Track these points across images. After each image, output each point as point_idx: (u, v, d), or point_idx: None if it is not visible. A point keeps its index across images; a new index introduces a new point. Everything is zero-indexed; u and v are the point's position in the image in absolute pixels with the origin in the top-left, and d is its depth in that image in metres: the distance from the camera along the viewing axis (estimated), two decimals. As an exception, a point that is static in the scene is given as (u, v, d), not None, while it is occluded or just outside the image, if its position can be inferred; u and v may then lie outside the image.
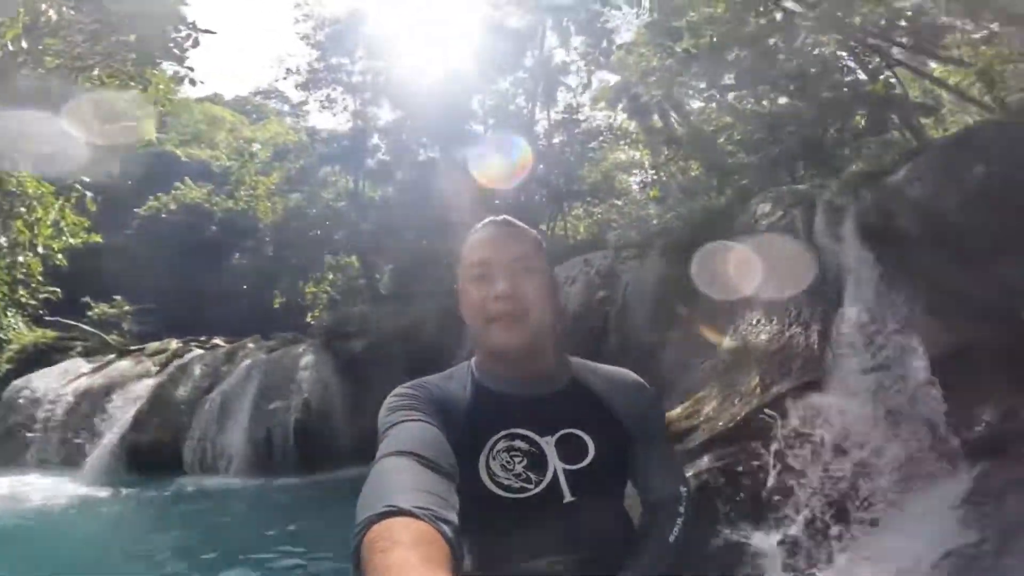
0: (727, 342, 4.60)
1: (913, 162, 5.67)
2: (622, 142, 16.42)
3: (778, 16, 5.54)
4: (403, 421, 0.83)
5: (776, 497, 2.76)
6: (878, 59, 6.83)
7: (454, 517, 0.66)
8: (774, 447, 2.89)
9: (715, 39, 5.83)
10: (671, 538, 0.96)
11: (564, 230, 18.18)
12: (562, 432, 0.92)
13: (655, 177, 16.12)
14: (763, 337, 3.82)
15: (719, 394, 3.80)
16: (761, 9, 5.63)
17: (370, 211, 14.21)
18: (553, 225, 16.63)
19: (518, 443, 0.90)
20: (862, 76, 7.07)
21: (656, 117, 14.16)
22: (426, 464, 0.73)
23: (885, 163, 6.97)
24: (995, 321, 3.43)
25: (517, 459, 0.89)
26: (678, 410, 4.08)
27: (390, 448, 0.77)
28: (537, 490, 0.88)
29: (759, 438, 3.14)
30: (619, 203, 17.60)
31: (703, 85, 8.02)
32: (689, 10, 6.19)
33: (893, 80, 7.14)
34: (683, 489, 1.01)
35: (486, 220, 1.00)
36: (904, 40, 5.77)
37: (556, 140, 15.02)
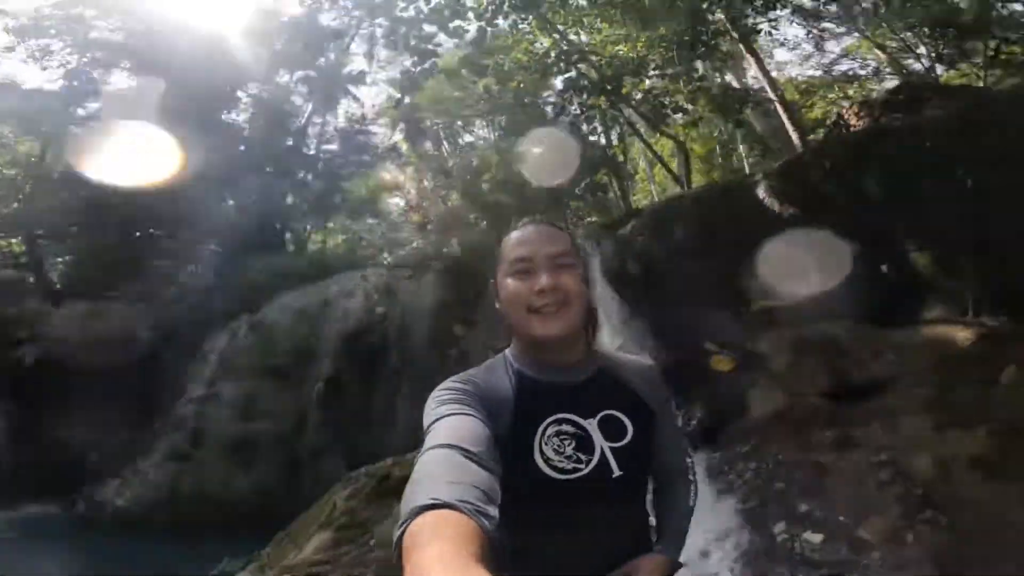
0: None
1: (635, 220, 7.34)
2: (392, 163, 16.50)
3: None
4: (449, 415, 0.86)
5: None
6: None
7: (494, 511, 0.69)
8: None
9: (521, 85, 6.48)
10: (691, 502, 1.11)
11: (323, 242, 17.18)
12: (602, 414, 0.99)
13: (417, 203, 16.76)
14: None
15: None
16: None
17: (60, 186, 10.77)
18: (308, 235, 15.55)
19: (565, 427, 0.96)
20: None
21: (431, 144, 14.80)
22: (470, 457, 0.75)
23: (614, 218, 8.78)
24: (690, 347, 4.61)
25: (567, 442, 0.95)
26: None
27: (435, 441, 0.79)
28: (588, 469, 0.94)
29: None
30: (373, 222, 17.70)
31: (483, 123, 8.79)
32: (506, 54, 6.73)
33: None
34: (690, 460, 1.15)
35: (525, 220, 1.06)
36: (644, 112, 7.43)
37: (329, 148, 14.14)
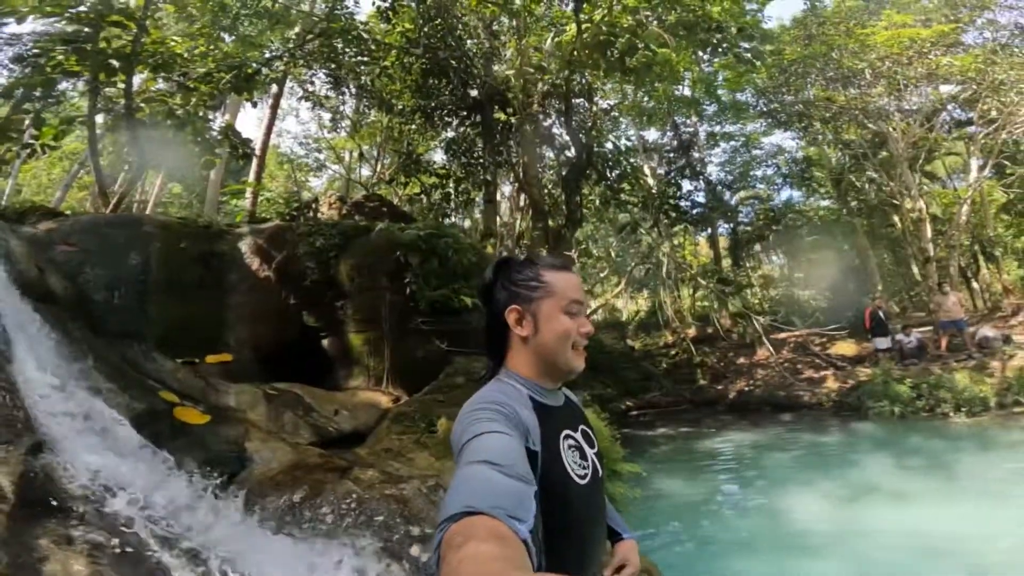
0: None
1: (53, 221, 5.29)
2: None
3: None
4: (484, 433, 0.90)
5: None
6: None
7: (529, 517, 0.74)
8: None
9: None
10: None
11: None
12: (581, 427, 1.18)
13: None
14: None
15: None
16: None
17: None
18: None
19: (571, 441, 1.11)
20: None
21: None
22: (504, 472, 0.80)
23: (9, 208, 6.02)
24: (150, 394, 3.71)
25: (575, 453, 1.10)
26: None
27: (473, 457, 0.84)
28: (590, 472, 1.11)
29: None
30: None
31: None
32: None
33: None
34: None
35: (560, 259, 1.21)
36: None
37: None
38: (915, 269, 14.92)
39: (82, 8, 5.92)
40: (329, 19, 9.44)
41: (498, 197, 13.56)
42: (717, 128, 18.80)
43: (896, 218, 15.17)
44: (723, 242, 19.11)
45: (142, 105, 7.26)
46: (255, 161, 11.45)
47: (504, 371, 1.15)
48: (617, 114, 15.91)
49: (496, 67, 11.23)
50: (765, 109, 15.72)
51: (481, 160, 11.15)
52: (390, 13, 9.31)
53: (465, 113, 10.87)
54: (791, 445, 8.78)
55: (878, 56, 11.83)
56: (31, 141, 5.95)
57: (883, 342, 11.20)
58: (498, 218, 12.93)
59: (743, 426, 10.63)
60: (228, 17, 8.72)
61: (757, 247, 18.93)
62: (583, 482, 1.07)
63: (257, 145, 11.07)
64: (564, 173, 11.21)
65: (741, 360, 14.26)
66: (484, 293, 1.19)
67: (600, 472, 1.16)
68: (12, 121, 5.79)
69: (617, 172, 12.15)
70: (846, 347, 12.83)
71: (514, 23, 10.68)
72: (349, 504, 2.75)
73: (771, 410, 11.50)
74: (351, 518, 2.67)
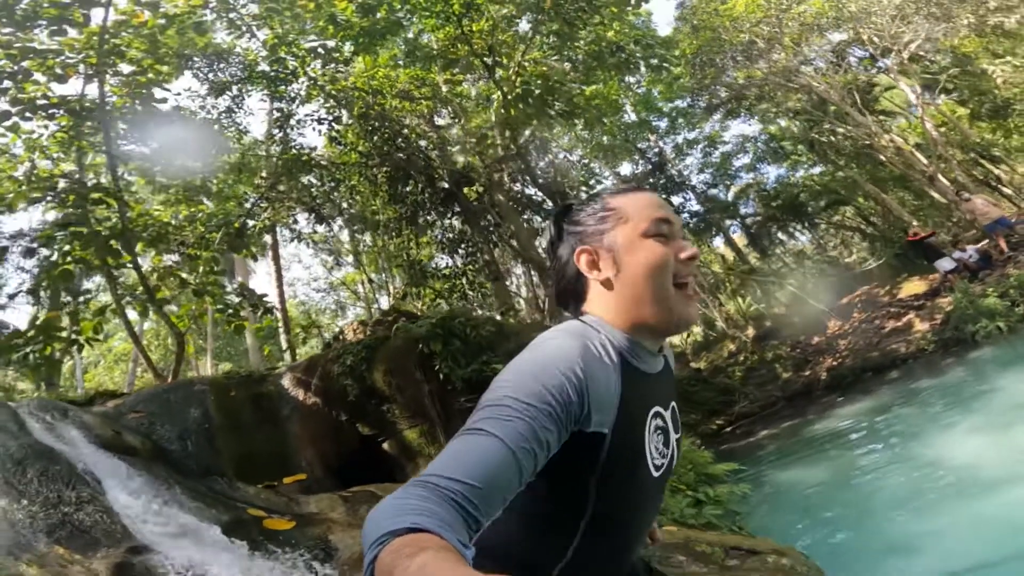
0: None
1: (122, 399, 5.82)
2: None
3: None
4: (480, 433, 0.71)
5: None
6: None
7: (472, 540, 0.63)
8: None
9: None
10: None
11: None
12: (672, 403, 0.96)
13: None
14: None
15: None
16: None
17: None
18: None
19: (658, 421, 0.90)
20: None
21: None
22: (506, 457, 0.68)
23: (71, 395, 6.58)
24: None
25: (659, 437, 0.90)
26: None
27: (439, 467, 0.68)
28: (667, 461, 0.92)
29: None
30: None
31: None
32: None
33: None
34: None
35: (629, 184, 0.95)
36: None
37: None
38: (934, 195, 14.58)
39: (61, 186, 6.69)
40: (283, 156, 10.50)
41: (504, 270, 14.04)
42: (680, 139, 19.60)
43: (883, 157, 15.16)
44: (741, 240, 19.05)
45: (159, 284, 8.05)
46: (281, 316, 12.34)
47: (587, 316, 0.90)
48: (586, 160, 16.83)
49: (451, 152, 12.26)
50: (704, 106, 16.56)
51: (474, 245, 11.79)
52: (337, 136, 10.44)
53: (441, 207, 11.70)
54: (914, 398, 8.12)
55: (751, 25, 12.76)
56: (74, 337, 6.61)
57: (946, 263, 10.68)
58: (512, 290, 13.29)
59: (851, 398, 9.93)
60: (196, 179, 9.76)
61: (776, 232, 18.72)
62: (657, 473, 0.89)
63: (274, 298, 11.99)
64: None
65: (815, 340, 13.54)
66: (551, 250, 0.99)
67: (675, 460, 0.96)
68: (51, 320, 6.49)
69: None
70: (914, 286, 12.16)
71: (449, 108, 11.78)
72: None
73: (872, 375, 10.75)
74: None
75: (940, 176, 12.84)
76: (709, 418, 12.22)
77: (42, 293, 7.14)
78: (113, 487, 3.18)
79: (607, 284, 0.88)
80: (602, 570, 0.89)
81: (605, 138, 16.59)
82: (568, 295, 0.94)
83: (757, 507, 5.74)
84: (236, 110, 10.23)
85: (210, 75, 10.20)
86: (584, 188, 14.12)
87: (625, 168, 19.81)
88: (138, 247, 7.96)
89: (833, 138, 16.33)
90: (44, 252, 6.83)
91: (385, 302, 17.20)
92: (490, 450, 0.67)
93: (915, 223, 14.44)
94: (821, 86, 14.01)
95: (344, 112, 10.42)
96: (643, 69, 12.15)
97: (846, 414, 8.85)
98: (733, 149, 19.87)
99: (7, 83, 5.92)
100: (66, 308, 7.17)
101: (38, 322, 6.85)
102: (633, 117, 17.69)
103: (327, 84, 9.79)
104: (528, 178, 11.61)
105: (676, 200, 17.34)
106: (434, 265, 15.00)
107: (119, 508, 2.88)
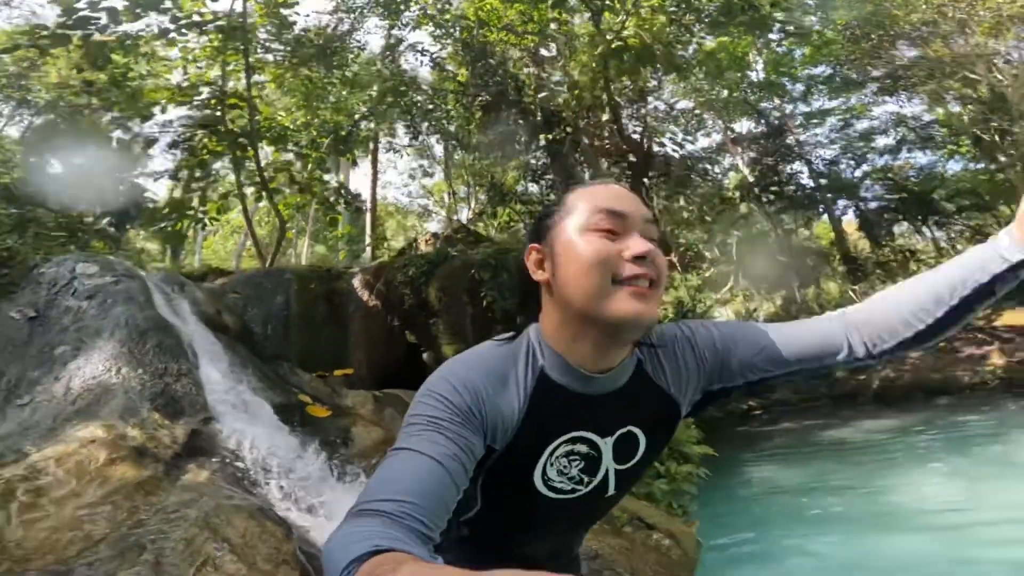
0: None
1: (224, 278, 7.35)
2: None
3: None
4: (437, 419, 0.73)
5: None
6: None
7: (436, 539, 0.65)
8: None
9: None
10: None
11: None
12: (620, 432, 0.87)
13: None
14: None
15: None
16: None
17: None
18: None
19: (579, 446, 0.84)
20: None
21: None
22: (436, 471, 0.68)
23: (184, 268, 8.34)
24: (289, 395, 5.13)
25: (575, 463, 0.84)
26: None
27: (406, 443, 0.72)
28: (586, 490, 0.87)
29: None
30: None
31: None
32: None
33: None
34: None
35: (599, 179, 0.86)
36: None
37: None
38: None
39: (204, 94, 8.16)
40: (389, 80, 11.34)
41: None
42: (812, 107, 17.61)
43: None
44: (851, 226, 17.56)
45: (273, 174, 9.56)
46: (370, 216, 13.81)
47: (533, 329, 0.88)
48: (698, 111, 15.89)
49: (547, 89, 12.31)
50: (854, 78, 14.65)
51: (554, 180, 12.21)
52: (439, 64, 10.95)
53: (529, 138, 12.06)
54: (933, 428, 8.09)
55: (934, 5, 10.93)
56: (201, 216, 8.37)
57: (1060, 303, 9.63)
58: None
59: (885, 414, 9.87)
60: (316, 88, 10.89)
61: (902, 223, 17.03)
62: (556, 495, 0.85)
63: (367, 198, 13.37)
64: (628, 176, 11.82)
65: (886, 346, 12.94)
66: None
67: (610, 490, 0.90)
68: (183, 200, 8.17)
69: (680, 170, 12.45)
70: (1015, 317, 11.10)
71: (554, 45, 11.69)
72: None
73: (923, 396, 10.46)
74: None
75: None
76: (744, 398, 12.42)
77: (182, 175, 8.85)
78: (206, 363, 4.48)
79: (548, 287, 0.82)
80: (500, 554, 0.88)
81: (725, 91, 15.52)
82: (531, 299, 0.89)
83: (718, 494, 6.33)
84: (357, 28, 11.14)
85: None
86: (682, 140, 13.69)
87: (742, 126, 18.47)
88: (261, 144, 9.45)
89: (1004, 137, 14.25)
90: (189, 143, 8.43)
91: (466, 215, 18.27)
92: (421, 467, 0.67)
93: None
94: (1005, 80, 12.15)
95: (449, 41, 10.88)
96: (775, 31, 11.17)
97: (868, 426, 9.01)
98: (879, 126, 17.76)
99: (168, 2, 7.04)
100: (196, 191, 8.85)
101: (174, 200, 8.61)
102: (762, 75, 16.19)
103: (436, 13, 10.25)
104: (616, 127, 11.57)
105: (788, 169, 16.23)
106: (517, 190, 15.64)
107: (206, 382, 4.15)
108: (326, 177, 11.25)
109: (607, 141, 12.23)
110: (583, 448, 0.84)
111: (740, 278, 18.86)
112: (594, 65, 10.48)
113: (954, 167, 16.94)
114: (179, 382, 3.81)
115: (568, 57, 11.49)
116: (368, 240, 13.73)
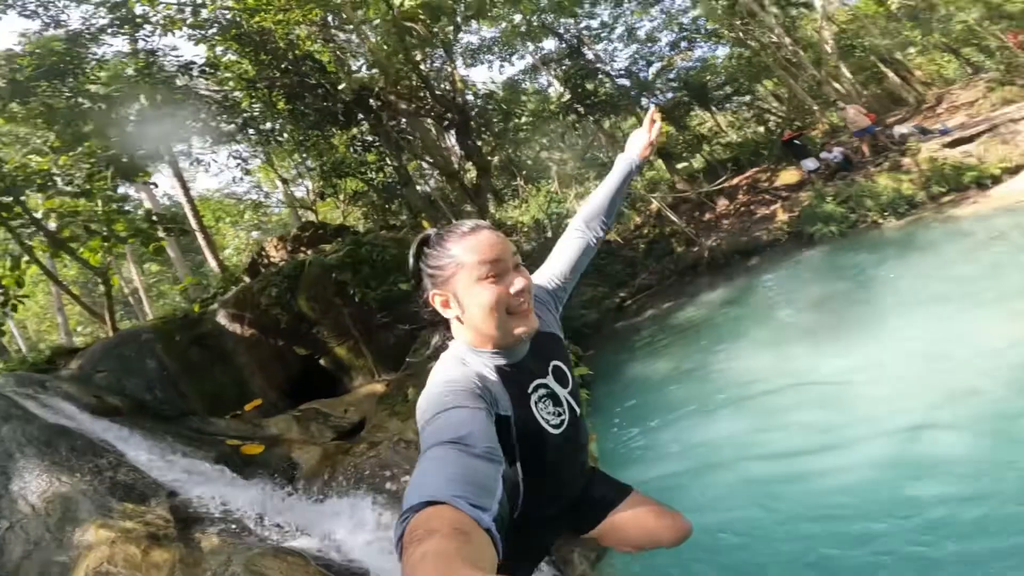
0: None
1: (75, 358, 6.91)
2: None
3: None
4: (448, 409, 0.92)
5: None
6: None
7: (493, 503, 0.74)
8: None
9: None
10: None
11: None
12: (551, 365, 1.23)
13: None
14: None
15: None
16: None
17: None
18: None
19: (540, 390, 1.16)
20: None
21: None
22: (469, 452, 0.80)
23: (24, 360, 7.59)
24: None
25: (546, 401, 1.16)
26: None
27: (436, 438, 0.85)
28: (566, 415, 1.18)
29: None
30: None
31: None
32: None
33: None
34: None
35: (470, 223, 1.16)
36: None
37: None
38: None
39: None
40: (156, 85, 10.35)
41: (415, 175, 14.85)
42: (597, 21, 19.54)
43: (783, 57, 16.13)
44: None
45: (59, 224, 8.60)
46: (201, 234, 12.86)
47: (454, 344, 1.17)
48: (504, 44, 16.82)
49: (349, 65, 12.25)
50: None
51: (382, 150, 12.44)
52: (210, 69, 10.39)
53: (343, 117, 12.00)
54: (748, 294, 9.84)
55: None
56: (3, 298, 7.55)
57: (810, 163, 12.54)
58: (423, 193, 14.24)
59: (717, 283, 11.62)
60: (62, 113, 9.51)
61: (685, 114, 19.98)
62: (558, 431, 1.15)
63: (188, 213, 12.45)
64: (454, 133, 12.53)
65: (707, 216, 15.68)
66: (415, 280, 1.21)
67: (577, 410, 1.24)
68: None
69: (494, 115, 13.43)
70: (789, 176, 14.08)
71: (343, 16, 11.57)
72: (349, 471, 4.49)
73: (740, 258, 12.67)
74: (352, 480, 4.43)
75: (830, 80, 14.13)
76: (615, 290, 14.14)
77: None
78: (127, 449, 4.55)
79: (459, 320, 1.12)
80: (551, 503, 1.20)
81: (518, 18, 16.44)
82: (435, 317, 1.19)
83: (608, 401, 7.01)
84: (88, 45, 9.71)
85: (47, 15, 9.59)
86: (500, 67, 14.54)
87: (549, 44, 19.80)
88: (27, 198, 8.39)
89: (748, 27, 16.94)
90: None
91: (303, 192, 17.60)
92: (456, 456, 0.81)
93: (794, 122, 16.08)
94: None
95: (216, 39, 10.14)
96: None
97: (709, 300, 10.61)
98: (659, 26, 20.11)
99: None
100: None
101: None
102: None
103: (187, 16, 9.44)
104: (427, 91, 11.99)
105: (591, 85, 17.97)
106: (352, 162, 15.41)
107: (142, 465, 4.30)
108: (126, 207, 10.25)
109: (425, 102, 12.61)
110: (543, 390, 1.16)
111: (578, 185, 20.94)
112: (388, 42, 10.62)
113: (722, 53, 20.04)
114: (118, 474, 3.97)
115: (359, 31, 11.38)
116: (212, 262, 12.88)
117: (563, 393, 1.21)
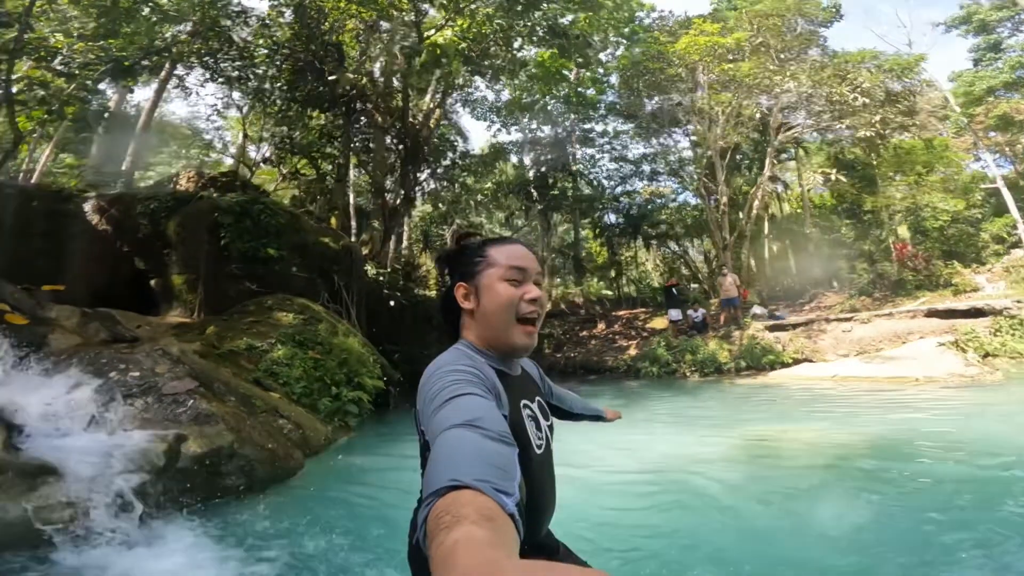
0: None
1: None
2: None
3: None
4: (463, 394, 0.95)
5: None
6: None
7: (514, 487, 0.74)
8: None
9: None
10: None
11: None
12: (537, 399, 1.32)
13: None
14: None
15: None
16: None
17: None
18: None
19: (528, 411, 1.24)
20: None
21: None
22: (489, 435, 0.83)
23: None
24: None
25: (532, 421, 1.23)
26: None
27: (454, 419, 0.87)
28: (544, 443, 1.25)
29: None
30: None
31: None
32: None
33: None
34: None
35: (509, 237, 1.35)
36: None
37: None
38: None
39: None
40: (203, 21, 11.59)
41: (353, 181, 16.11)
42: (588, 126, 21.82)
43: (741, 214, 18.67)
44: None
45: (24, 88, 9.36)
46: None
47: (460, 341, 1.25)
48: (499, 107, 18.83)
49: (366, 67, 13.74)
50: (623, 111, 18.94)
51: (342, 147, 13.72)
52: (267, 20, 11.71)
53: (329, 106, 13.31)
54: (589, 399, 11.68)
55: (682, 62, 14.99)
56: None
57: (675, 314, 14.34)
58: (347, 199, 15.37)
59: (567, 384, 13.29)
60: (117, 10, 10.45)
61: (625, 241, 22.22)
62: (539, 452, 1.20)
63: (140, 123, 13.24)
64: (402, 158, 13.94)
65: (583, 333, 17.49)
66: (439, 268, 1.35)
67: (551, 445, 1.29)
68: None
69: (449, 161, 14.99)
70: (661, 322, 16.00)
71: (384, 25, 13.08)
72: (90, 357, 5.40)
73: (583, 373, 14.51)
74: (96, 364, 5.34)
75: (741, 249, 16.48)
76: None
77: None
78: None
79: (471, 314, 1.24)
80: (530, 532, 1.17)
81: (524, 95, 18.52)
82: (449, 315, 1.30)
83: None
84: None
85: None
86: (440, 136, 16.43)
87: (529, 124, 21.78)
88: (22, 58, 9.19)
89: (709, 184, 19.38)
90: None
91: (256, 154, 18.41)
92: (473, 438, 0.82)
93: (681, 272, 18.37)
94: (707, 132, 16.47)
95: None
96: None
97: None
98: (652, 155, 22.25)
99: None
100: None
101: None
102: (565, 91, 19.42)
103: None
104: (402, 114, 13.46)
105: (552, 179, 20.13)
106: (312, 147, 16.57)
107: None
108: (92, 99, 11.08)
109: (396, 123, 13.95)
110: (529, 411, 1.24)
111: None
112: (394, 61, 12.13)
113: (690, 199, 22.42)
114: None
115: (370, 47, 12.85)
116: (125, 164, 13.47)
117: (544, 423, 1.29)
